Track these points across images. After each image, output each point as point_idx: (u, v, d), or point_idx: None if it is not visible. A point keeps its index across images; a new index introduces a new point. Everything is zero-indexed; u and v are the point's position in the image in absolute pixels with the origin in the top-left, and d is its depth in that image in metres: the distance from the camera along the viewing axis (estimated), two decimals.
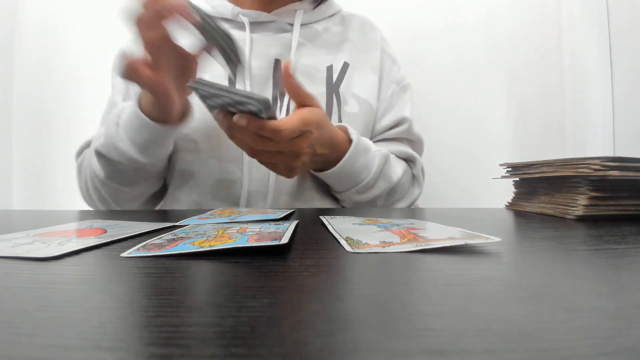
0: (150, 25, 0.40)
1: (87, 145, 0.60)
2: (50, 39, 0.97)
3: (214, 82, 0.37)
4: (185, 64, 0.44)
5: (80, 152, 0.60)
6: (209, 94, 0.38)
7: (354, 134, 0.52)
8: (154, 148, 0.49)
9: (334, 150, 0.51)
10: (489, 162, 0.71)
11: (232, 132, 0.43)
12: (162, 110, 0.45)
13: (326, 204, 0.58)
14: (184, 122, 0.50)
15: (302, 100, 0.46)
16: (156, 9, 0.39)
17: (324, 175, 0.53)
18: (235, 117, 0.40)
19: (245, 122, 0.40)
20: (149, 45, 0.41)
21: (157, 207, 0.63)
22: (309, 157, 0.47)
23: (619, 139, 0.84)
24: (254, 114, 0.39)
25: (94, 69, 0.94)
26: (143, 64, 0.41)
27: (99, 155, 0.51)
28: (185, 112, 0.49)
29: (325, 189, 0.58)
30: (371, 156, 0.54)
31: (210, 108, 0.42)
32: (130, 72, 0.41)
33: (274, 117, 0.41)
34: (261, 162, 0.46)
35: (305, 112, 0.44)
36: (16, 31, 0.97)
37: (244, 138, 0.42)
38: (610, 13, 0.85)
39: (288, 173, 0.47)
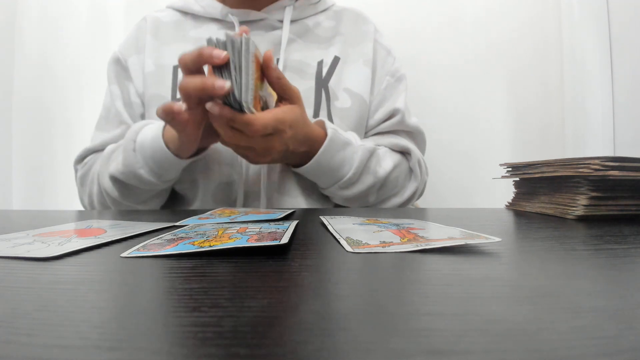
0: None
1: (88, 152, 0.60)
2: (50, 37, 0.97)
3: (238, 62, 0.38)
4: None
5: (79, 161, 0.60)
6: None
7: (330, 128, 0.51)
8: (172, 174, 0.52)
9: (311, 146, 0.50)
10: (489, 162, 0.70)
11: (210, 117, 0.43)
12: (182, 146, 0.47)
13: (321, 202, 0.57)
14: (201, 155, 0.51)
15: (283, 93, 0.46)
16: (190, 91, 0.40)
17: (303, 172, 0.53)
18: (209, 105, 0.40)
19: (218, 110, 0.40)
20: (187, 96, 0.42)
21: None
22: (279, 154, 0.47)
23: (619, 139, 0.84)
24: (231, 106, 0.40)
25: (95, 68, 0.94)
26: (179, 110, 0.43)
27: (115, 180, 0.52)
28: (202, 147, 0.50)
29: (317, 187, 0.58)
30: (352, 150, 0.53)
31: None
32: (167, 116, 0.43)
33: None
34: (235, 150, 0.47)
35: (280, 110, 0.45)
36: (16, 29, 0.97)
37: (218, 127, 0.43)
38: (610, 13, 0.85)
39: (255, 162, 0.48)
